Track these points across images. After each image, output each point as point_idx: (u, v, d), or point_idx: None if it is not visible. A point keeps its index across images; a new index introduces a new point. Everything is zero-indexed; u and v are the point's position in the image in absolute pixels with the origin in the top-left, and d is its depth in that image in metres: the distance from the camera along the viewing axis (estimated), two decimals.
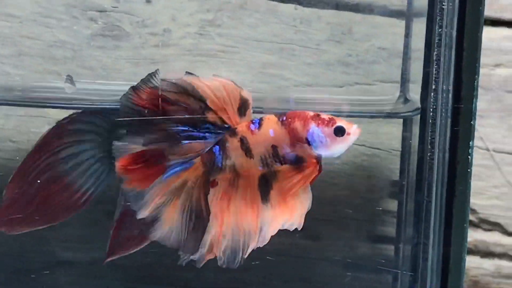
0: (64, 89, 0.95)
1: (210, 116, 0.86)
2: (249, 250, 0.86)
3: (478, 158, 1.09)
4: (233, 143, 0.87)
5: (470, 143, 0.80)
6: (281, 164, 0.86)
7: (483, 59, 1.06)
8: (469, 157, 0.79)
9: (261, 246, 0.86)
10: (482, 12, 0.79)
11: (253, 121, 0.86)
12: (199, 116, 0.86)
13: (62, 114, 0.99)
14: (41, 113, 1.00)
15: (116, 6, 0.99)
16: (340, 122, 0.85)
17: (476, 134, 1.07)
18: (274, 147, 0.86)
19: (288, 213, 0.86)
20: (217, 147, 0.87)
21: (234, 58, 1.01)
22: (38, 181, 0.90)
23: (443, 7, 0.84)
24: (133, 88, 0.86)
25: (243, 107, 0.86)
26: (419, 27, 0.94)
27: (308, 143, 0.85)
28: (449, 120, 0.82)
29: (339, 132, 0.85)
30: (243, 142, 0.86)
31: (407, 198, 0.95)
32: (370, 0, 0.99)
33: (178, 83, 0.86)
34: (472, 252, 1.11)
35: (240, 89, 0.86)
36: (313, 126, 0.85)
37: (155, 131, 0.87)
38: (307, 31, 1.01)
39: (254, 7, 1.01)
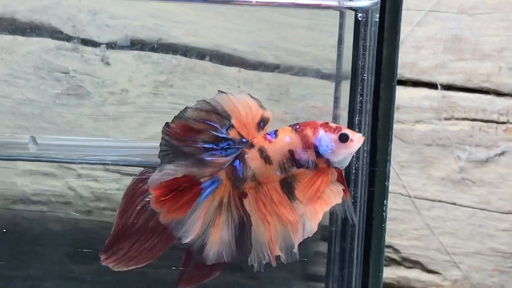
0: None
1: (232, 133, 0.87)
2: (297, 243, 0.87)
3: (400, 204, 1.14)
4: (252, 154, 0.87)
5: (385, 201, 0.85)
6: (297, 168, 0.87)
7: (405, 116, 1.13)
8: (384, 214, 0.84)
9: (310, 236, 0.87)
10: (394, 85, 0.85)
11: (269, 133, 0.88)
12: (222, 134, 0.87)
13: (29, 165, 1.04)
14: (9, 165, 1.03)
15: (76, 70, 1.03)
16: (345, 130, 0.85)
17: (399, 182, 1.14)
18: (290, 151, 0.87)
19: (325, 204, 0.87)
20: (237, 160, 0.87)
21: None
22: (135, 221, 0.89)
23: (364, 78, 0.88)
24: (167, 123, 0.87)
25: (261, 123, 0.87)
26: (347, 88, 0.95)
27: (316, 148, 0.86)
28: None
29: (344, 138, 0.85)
30: (262, 151, 0.87)
31: (335, 242, 0.97)
32: (305, 65, 1.03)
33: (211, 102, 0.86)
34: (395, 287, 1.15)
35: (263, 110, 0.87)
36: (321, 132, 0.86)
37: (184, 157, 0.87)
38: (249, 91, 1.00)
39: (202, 69, 1.04)
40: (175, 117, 0.87)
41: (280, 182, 0.88)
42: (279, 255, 0.87)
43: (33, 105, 1.03)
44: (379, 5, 0.85)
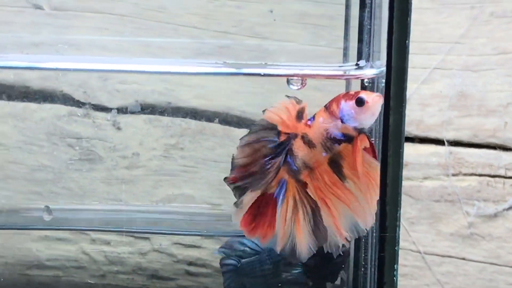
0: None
1: (282, 137, 0.88)
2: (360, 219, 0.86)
3: (411, 260, 1.12)
4: (297, 143, 0.87)
5: (395, 266, 0.83)
6: (339, 144, 0.86)
7: (413, 173, 1.12)
8: (395, 278, 0.83)
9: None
10: (402, 152, 0.83)
11: (309, 119, 0.87)
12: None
13: (44, 232, 1.04)
14: (25, 231, 1.02)
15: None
16: (362, 94, 0.84)
17: (409, 238, 1.12)
18: (325, 130, 0.86)
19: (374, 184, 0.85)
20: (287, 155, 0.87)
21: (195, 177, 1.03)
22: None
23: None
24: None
25: (299, 113, 0.88)
26: None
27: (342, 119, 0.86)
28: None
29: (360, 102, 0.84)
30: (303, 138, 0.87)
31: None
32: None
33: (258, 123, 0.88)
34: None
35: (298, 104, 0.88)
36: (342, 103, 0.86)
37: (252, 180, 0.87)
38: None
39: (212, 132, 1.04)
40: (232, 166, 0.88)
41: (329, 163, 0.87)
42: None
43: (46, 170, 1.02)
44: (384, 72, 0.84)
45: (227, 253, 0.95)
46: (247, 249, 0.95)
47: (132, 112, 1.03)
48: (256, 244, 0.94)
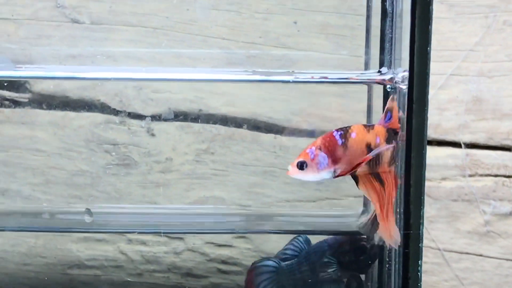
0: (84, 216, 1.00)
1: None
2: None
3: (431, 257, 1.14)
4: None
5: (419, 262, 0.85)
6: None
7: (431, 174, 1.14)
8: (419, 273, 0.84)
9: None
10: (424, 155, 0.85)
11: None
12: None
13: (84, 233, 1.06)
14: (65, 233, 1.04)
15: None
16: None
17: (428, 236, 1.14)
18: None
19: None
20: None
21: (226, 180, 1.05)
22: None
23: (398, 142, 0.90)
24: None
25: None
26: None
27: None
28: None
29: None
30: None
31: None
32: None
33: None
34: None
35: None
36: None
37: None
38: (285, 156, 1.04)
39: (241, 137, 1.05)
40: None
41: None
42: None
43: (85, 175, 1.04)
44: (407, 76, 0.86)
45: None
46: (287, 251, 0.96)
47: (166, 119, 1.05)
48: (294, 246, 0.95)
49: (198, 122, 1.05)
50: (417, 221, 0.84)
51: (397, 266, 0.90)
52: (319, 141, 0.85)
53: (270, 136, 1.06)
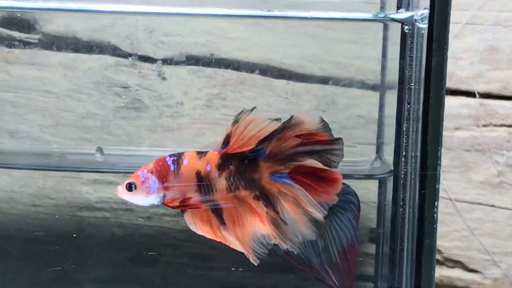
0: (94, 156, 0.97)
1: None
2: None
3: (442, 207, 1.11)
4: None
5: (436, 203, 0.82)
6: None
7: (445, 123, 1.09)
8: (435, 215, 0.81)
9: None
10: (443, 93, 0.82)
11: None
12: None
13: (93, 175, 1.02)
14: (75, 175, 1.01)
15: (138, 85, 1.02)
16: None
17: (440, 186, 1.10)
18: None
19: None
20: None
21: None
22: None
23: (411, 87, 0.87)
24: None
25: None
26: (391, 97, 0.96)
27: None
28: (417, 183, 0.84)
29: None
30: None
31: (383, 244, 0.96)
32: (350, 76, 1.01)
33: None
34: (438, 286, 1.12)
35: None
36: None
37: None
38: (297, 102, 1.02)
39: (252, 82, 1.02)
40: None
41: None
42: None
43: (95, 118, 1.01)
44: (427, 15, 0.81)
45: None
46: None
47: (177, 63, 1.01)
48: None
49: (209, 66, 1.02)
50: (434, 162, 0.81)
51: (411, 209, 0.87)
52: (151, 164, 0.85)
53: (282, 81, 1.02)
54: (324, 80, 1.02)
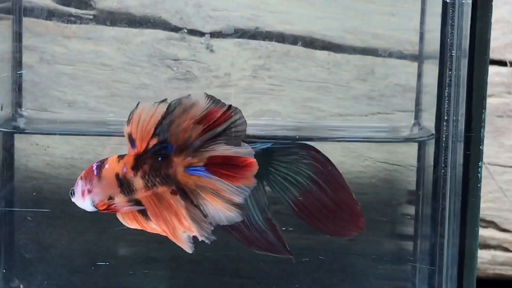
0: None
1: None
2: None
3: None
4: None
5: (480, 163, 0.84)
6: None
7: None
8: (479, 174, 0.84)
9: None
10: (487, 58, 0.84)
11: None
12: None
13: None
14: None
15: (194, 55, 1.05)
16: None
17: None
18: None
19: None
20: None
21: (282, 95, 1.05)
22: None
23: (452, 54, 0.90)
24: None
25: None
26: (429, 67, 0.99)
27: None
28: (459, 145, 0.87)
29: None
30: None
31: (423, 204, 0.99)
32: (388, 46, 1.03)
33: None
34: None
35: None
36: None
37: None
38: (338, 72, 1.04)
39: (296, 54, 1.05)
40: None
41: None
42: None
43: (148, 89, 1.04)
44: None
45: None
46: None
47: (224, 36, 1.03)
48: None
49: (255, 39, 1.04)
50: (478, 124, 0.83)
51: (453, 171, 0.89)
52: (83, 172, 0.90)
53: (324, 52, 1.05)
54: (364, 51, 1.04)
